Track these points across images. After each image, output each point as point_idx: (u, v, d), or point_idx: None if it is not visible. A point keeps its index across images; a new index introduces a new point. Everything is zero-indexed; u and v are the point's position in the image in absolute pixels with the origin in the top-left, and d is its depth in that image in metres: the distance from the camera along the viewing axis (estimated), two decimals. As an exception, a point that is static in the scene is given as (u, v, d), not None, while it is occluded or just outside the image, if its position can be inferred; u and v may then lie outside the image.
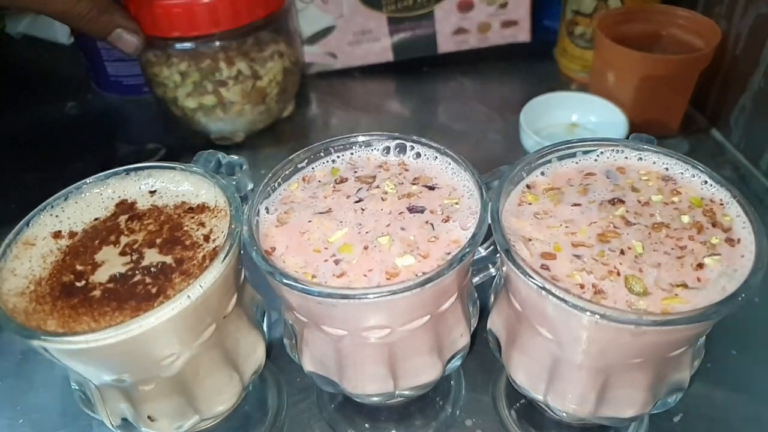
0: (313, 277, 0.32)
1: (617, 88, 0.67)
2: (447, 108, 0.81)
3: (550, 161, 0.38)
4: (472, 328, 0.39)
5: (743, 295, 0.29)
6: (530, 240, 0.33)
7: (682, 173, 0.37)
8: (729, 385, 0.46)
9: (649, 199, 0.36)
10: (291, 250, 0.34)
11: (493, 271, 0.40)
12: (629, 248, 0.32)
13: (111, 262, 0.33)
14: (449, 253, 0.33)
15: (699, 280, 0.31)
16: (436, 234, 0.34)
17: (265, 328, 0.39)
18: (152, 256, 0.34)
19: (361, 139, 0.40)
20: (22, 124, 0.80)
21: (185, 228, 0.35)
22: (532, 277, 0.30)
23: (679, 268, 0.31)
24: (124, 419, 0.35)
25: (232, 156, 0.40)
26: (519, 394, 0.39)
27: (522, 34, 0.80)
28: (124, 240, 0.35)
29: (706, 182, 0.36)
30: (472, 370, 0.47)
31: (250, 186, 0.41)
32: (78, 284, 0.32)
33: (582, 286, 0.31)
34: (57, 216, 0.36)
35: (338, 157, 0.40)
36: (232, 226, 0.33)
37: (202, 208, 0.36)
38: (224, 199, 0.36)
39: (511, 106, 0.74)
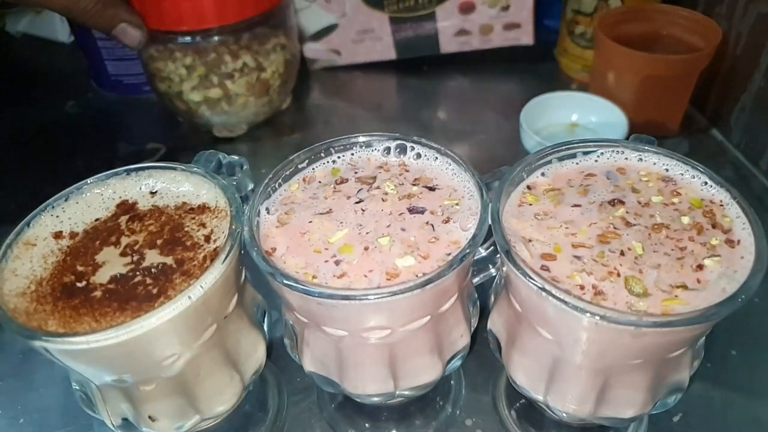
0: (314, 277, 0.32)
1: (617, 87, 0.67)
2: (447, 107, 0.81)
3: (550, 162, 0.38)
4: (472, 329, 0.39)
5: (743, 297, 0.29)
6: (530, 241, 0.33)
7: (683, 174, 0.37)
8: (728, 385, 0.46)
9: (650, 200, 0.36)
10: (291, 250, 0.34)
11: (493, 271, 0.40)
12: (629, 249, 0.32)
13: (112, 263, 0.34)
14: (449, 254, 0.33)
15: (699, 281, 0.31)
16: (437, 235, 0.34)
17: (265, 328, 0.40)
18: (153, 257, 0.34)
19: (361, 139, 0.40)
20: (22, 123, 0.80)
21: (186, 229, 0.35)
22: (533, 278, 0.30)
23: (679, 270, 0.31)
24: (125, 419, 0.35)
25: (232, 156, 0.40)
26: (519, 394, 0.39)
27: (525, 37, 0.80)
28: (124, 241, 0.35)
29: (706, 183, 0.36)
30: (473, 370, 0.48)
31: (251, 186, 0.41)
32: (79, 285, 0.32)
33: (582, 287, 0.31)
34: (58, 216, 0.36)
35: (339, 157, 0.40)
36: (233, 226, 0.34)
37: (202, 208, 0.36)
38: (225, 199, 0.36)
39: (511, 105, 0.74)
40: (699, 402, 0.45)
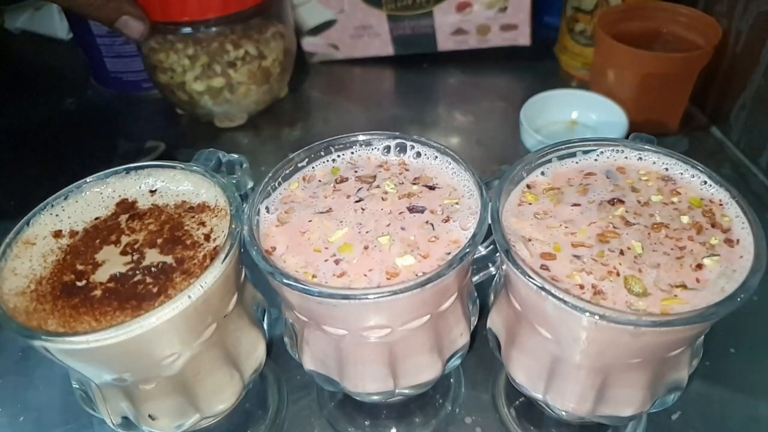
0: (314, 277, 0.32)
1: (617, 85, 0.67)
2: (447, 104, 0.81)
3: (550, 161, 0.38)
4: (471, 327, 0.39)
5: (742, 296, 0.29)
6: (530, 240, 0.34)
7: (682, 173, 0.37)
8: (727, 383, 0.46)
9: (649, 200, 0.36)
10: (291, 249, 0.34)
11: (492, 270, 0.40)
12: (629, 248, 0.33)
13: (112, 262, 0.34)
14: (449, 253, 0.33)
15: (698, 280, 0.31)
16: (437, 234, 0.34)
17: (265, 327, 0.40)
18: (153, 256, 0.34)
19: (361, 138, 0.40)
20: (21, 120, 0.80)
21: (186, 227, 0.35)
22: (532, 278, 0.30)
23: (679, 269, 0.31)
24: (125, 418, 0.35)
25: (232, 154, 0.40)
26: (518, 392, 0.39)
27: (522, 38, 0.81)
28: (124, 239, 0.35)
29: (705, 183, 0.36)
30: (472, 368, 0.48)
31: (251, 184, 0.41)
32: (79, 284, 0.32)
33: (581, 287, 0.31)
34: (57, 215, 0.36)
35: (338, 156, 0.40)
36: (233, 225, 0.34)
37: (202, 207, 0.36)
38: (224, 198, 0.36)
39: (511, 103, 0.74)
40: (698, 400, 0.45)
